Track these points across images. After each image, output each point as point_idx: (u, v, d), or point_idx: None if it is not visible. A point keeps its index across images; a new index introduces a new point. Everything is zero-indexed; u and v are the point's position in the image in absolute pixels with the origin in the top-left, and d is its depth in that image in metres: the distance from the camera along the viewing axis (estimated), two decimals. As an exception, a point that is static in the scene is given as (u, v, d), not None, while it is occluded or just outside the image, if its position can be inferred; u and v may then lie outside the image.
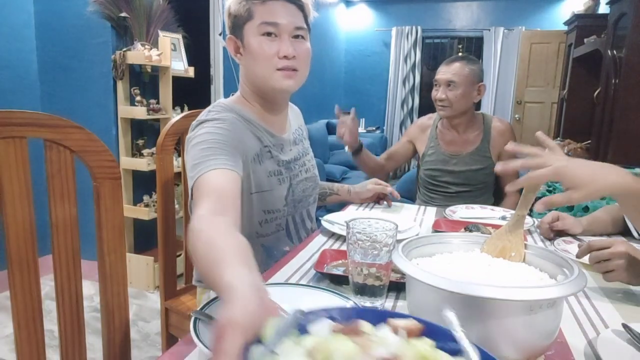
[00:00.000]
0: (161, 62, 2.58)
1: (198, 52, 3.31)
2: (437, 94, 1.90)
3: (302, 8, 1.13)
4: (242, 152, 1.07)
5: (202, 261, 0.69)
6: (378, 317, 0.51)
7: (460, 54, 2.14)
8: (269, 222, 1.20)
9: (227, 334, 0.43)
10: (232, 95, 1.25)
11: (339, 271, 0.98)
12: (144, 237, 2.83)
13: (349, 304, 0.76)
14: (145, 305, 2.55)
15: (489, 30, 6.07)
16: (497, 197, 2.01)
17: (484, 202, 1.87)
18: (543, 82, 5.50)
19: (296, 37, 1.11)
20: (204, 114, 1.12)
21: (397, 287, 0.90)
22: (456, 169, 1.95)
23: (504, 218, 1.48)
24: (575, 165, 0.78)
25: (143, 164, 2.60)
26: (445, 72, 1.88)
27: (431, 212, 1.61)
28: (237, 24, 1.12)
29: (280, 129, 1.23)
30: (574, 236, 1.29)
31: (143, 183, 2.76)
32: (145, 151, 2.66)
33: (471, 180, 1.94)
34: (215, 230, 0.74)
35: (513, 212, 1.58)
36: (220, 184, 0.93)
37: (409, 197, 2.52)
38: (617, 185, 0.79)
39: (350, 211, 1.58)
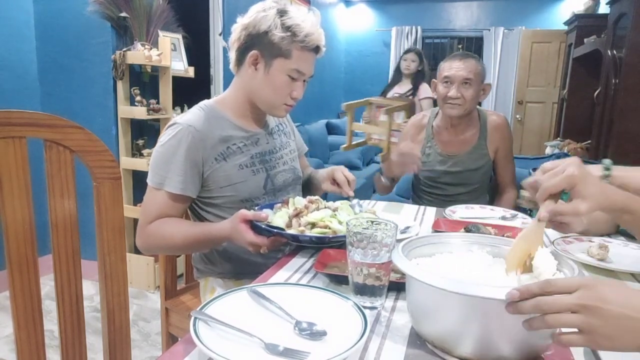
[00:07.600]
0: (161, 62, 2.58)
1: (198, 52, 3.31)
2: (450, 91, 1.78)
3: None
4: (194, 162, 1.21)
5: (179, 232, 1.18)
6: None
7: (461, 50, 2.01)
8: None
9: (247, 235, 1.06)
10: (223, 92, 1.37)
11: (339, 271, 0.98)
12: (144, 237, 2.83)
13: (348, 304, 0.76)
14: (145, 305, 2.55)
15: (489, 30, 6.07)
16: (490, 196, 2.00)
17: (481, 203, 1.86)
18: (544, 82, 5.50)
19: (304, 80, 1.29)
20: (180, 117, 1.25)
21: (397, 287, 0.90)
22: (454, 169, 1.91)
23: (504, 218, 1.48)
24: (585, 174, 0.79)
25: (143, 164, 2.60)
26: (460, 68, 1.76)
27: (431, 212, 1.61)
28: (269, 48, 1.21)
29: (256, 124, 1.35)
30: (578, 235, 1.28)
31: (143, 183, 2.76)
32: (145, 151, 2.66)
33: (469, 181, 1.91)
34: (173, 219, 1.23)
35: (513, 211, 1.57)
36: (167, 211, 1.23)
37: (408, 197, 2.51)
38: (619, 201, 0.83)
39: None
